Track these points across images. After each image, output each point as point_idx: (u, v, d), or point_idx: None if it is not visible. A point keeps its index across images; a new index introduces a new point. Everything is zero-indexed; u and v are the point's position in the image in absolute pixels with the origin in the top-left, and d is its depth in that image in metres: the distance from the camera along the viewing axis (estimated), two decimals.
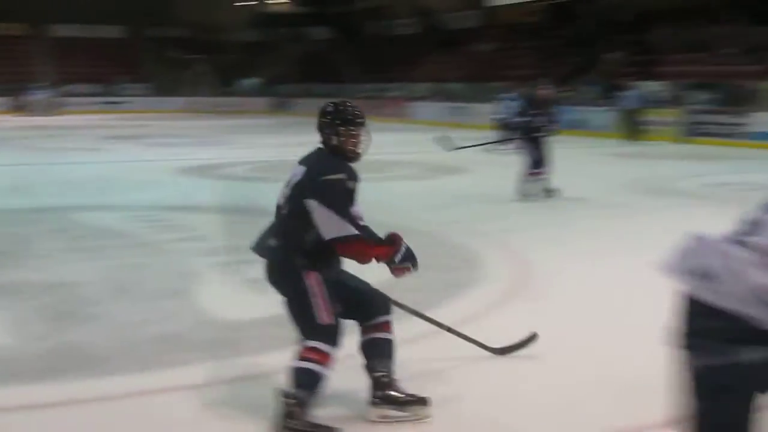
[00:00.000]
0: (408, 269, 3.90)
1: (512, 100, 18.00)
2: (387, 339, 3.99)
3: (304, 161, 3.95)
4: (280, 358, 4.07)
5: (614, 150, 19.17)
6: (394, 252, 3.86)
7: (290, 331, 3.91)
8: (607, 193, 12.10)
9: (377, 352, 3.97)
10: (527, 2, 31.67)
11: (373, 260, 3.86)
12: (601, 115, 24.07)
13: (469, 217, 9.99)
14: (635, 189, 12.51)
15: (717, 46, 25.08)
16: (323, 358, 3.75)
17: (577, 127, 24.52)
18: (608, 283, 6.59)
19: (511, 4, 32.47)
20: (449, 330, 4.57)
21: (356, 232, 3.78)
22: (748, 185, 12.64)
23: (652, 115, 21.91)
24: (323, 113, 3.97)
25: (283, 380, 3.81)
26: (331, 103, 4.04)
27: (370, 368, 3.97)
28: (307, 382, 3.73)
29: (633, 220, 9.80)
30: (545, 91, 11.62)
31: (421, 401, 3.96)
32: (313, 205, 3.75)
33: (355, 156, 3.95)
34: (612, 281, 6.66)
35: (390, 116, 32.06)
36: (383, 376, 3.95)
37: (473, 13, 37.83)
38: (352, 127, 3.93)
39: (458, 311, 5.69)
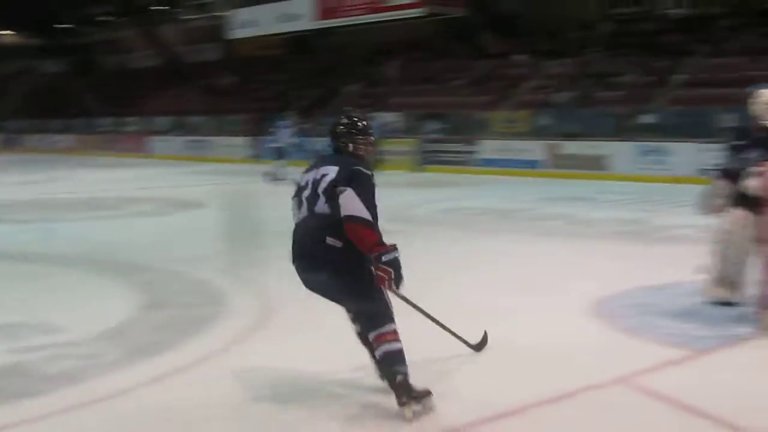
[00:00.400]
0: (389, 274, 4.16)
1: (287, 127, 19.42)
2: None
3: (330, 163, 4.42)
4: None
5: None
6: (387, 250, 4.19)
7: None
8: None
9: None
10: (266, 36, 31.87)
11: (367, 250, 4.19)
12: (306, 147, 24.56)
13: (210, 252, 9.76)
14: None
15: (445, 79, 26.42)
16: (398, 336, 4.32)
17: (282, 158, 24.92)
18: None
19: (249, 38, 32.54)
20: (437, 323, 5.13)
21: (371, 219, 4.19)
22: (479, 209, 13.38)
23: (389, 145, 22.69)
24: (341, 124, 4.59)
25: None
26: (348, 115, 4.66)
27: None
28: (401, 358, 4.27)
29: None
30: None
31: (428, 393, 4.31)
32: (343, 189, 4.21)
33: (368, 161, 4.52)
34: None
35: (127, 151, 31.22)
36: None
37: (212, 47, 37.59)
38: (368, 137, 4.60)
39: (201, 348, 5.55)
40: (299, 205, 4.49)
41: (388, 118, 24.74)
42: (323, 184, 4.33)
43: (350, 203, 4.18)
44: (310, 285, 4.55)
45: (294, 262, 4.53)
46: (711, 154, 17.26)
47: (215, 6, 33.68)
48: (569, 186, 16.91)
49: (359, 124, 4.60)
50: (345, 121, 4.61)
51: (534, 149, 20.40)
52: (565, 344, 5.61)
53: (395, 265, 4.19)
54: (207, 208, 14.39)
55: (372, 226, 4.19)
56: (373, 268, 4.20)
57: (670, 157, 18.07)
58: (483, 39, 27.82)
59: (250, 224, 11.91)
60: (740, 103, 20.09)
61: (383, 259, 4.16)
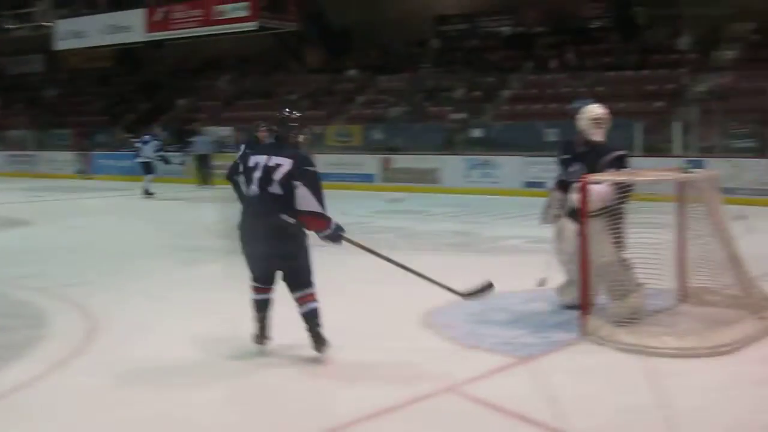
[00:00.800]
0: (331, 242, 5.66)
1: (145, 142, 19.42)
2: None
3: (281, 154, 5.41)
4: None
5: (187, 194, 19.26)
6: (327, 228, 5.57)
7: None
8: (180, 238, 12.07)
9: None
10: (93, 48, 30.77)
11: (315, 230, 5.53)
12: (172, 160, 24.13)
13: (32, 272, 9.30)
14: (210, 233, 12.62)
15: (279, 93, 26.35)
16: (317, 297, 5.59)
17: (150, 173, 24.34)
18: (182, 331, 6.52)
19: (76, 50, 31.34)
20: (417, 274, 6.06)
21: (321, 209, 5.41)
22: None
23: (221, 160, 22.38)
24: (292, 119, 5.62)
25: None
26: (291, 111, 5.70)
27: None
28: (319, 314, 5.55)
29: (210, 264, 9.82)
30: (263, 133, 11.32)
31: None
32: (298, 185, 5.31)
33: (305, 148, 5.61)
34: (174, 324, 6.59)
35: None
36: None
37: (37, 58, 35.99)
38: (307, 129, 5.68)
39: (18, 373, 5.27)
40: (248, 183, 5.52)
41: (221, 132, 24.46)
42: (278, 174, 5.37)
43: (305, 200, 5.34)
44: (253, 251, 5.61)
45: (242, 230, 5.69)
46: (536, 167, 18.04)
47: (39, 16, 32.27)
48: (405, 201, 17.17)
49: (304, 118, 5.75)
50: (294, 114, 5.68)
51: (367, 163, 20.63)
52: (395, 355, 5.68)
53: (333, 236, 5.64)
54: (33, 226, 13.77)
55: (321, 215, 5.45)
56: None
57: (497, 170, 18.69)
58: (315, 54, 27.93)
59: (78, 242, 11.48)
60: (562, 118, 21.04)
61: (326, 234, 5.60)
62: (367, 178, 20.44)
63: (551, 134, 19.34)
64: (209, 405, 4.73)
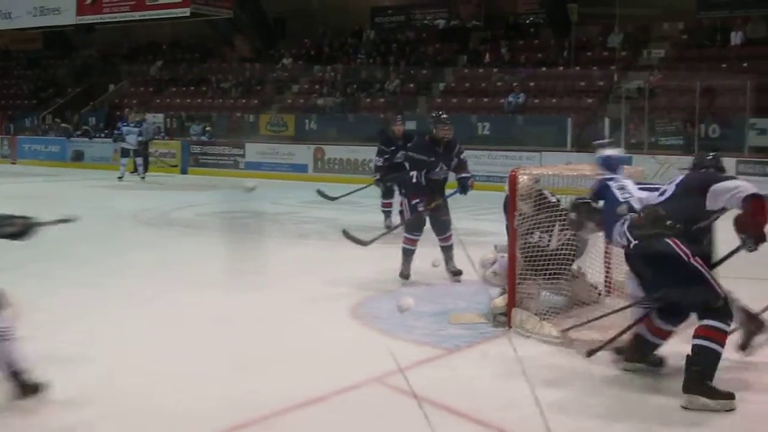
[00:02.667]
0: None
1: (132, 127, 19.62)
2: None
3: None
4: None
5: (114, 182, 18.92)
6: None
7: None
8: (111, 226, 11.88)
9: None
10: (22, 30, 30.01)
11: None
12: (104, 146, 23.77)
13: None
14: (139, 220, 12.46)
15: (212, 81, 26.08)
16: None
17: (77, 160, 24.01)
18: (101, 313, 6.42)
19: (5, 31, 30.53)
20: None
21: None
22: (245, 213, 13.30)
23: (153, 147, 22.14)
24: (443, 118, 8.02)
25: None
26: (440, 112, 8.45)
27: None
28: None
29: (133, 254, 9.68)
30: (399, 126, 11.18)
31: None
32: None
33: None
34: (105, 310, 6.49)
35: None
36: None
37: None
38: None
39: None
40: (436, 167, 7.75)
41: (153, 119, 24.12)
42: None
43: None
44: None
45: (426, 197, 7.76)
46: (469, 160, 18.15)
47: None
48: (334, 190, 17.13)
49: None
50: (444, 114, 8.16)
51: (300, 153, 20.54)
52: (322, 345, 5.67)
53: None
54: None
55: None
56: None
57: None
58: (249, 42, 27.69)
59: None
60: (494, 112, 21.10)
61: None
62: (299, 168, 20.35)
63: (483, 128, 19.54)
64: (135, 392, 4.66)
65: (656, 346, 5.09)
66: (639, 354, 5.12)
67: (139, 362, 5.27)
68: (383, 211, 11.19)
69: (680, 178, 4.97)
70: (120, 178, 19.07)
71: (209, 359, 5.33)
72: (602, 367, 5.23)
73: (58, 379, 4.67)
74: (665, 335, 5.06)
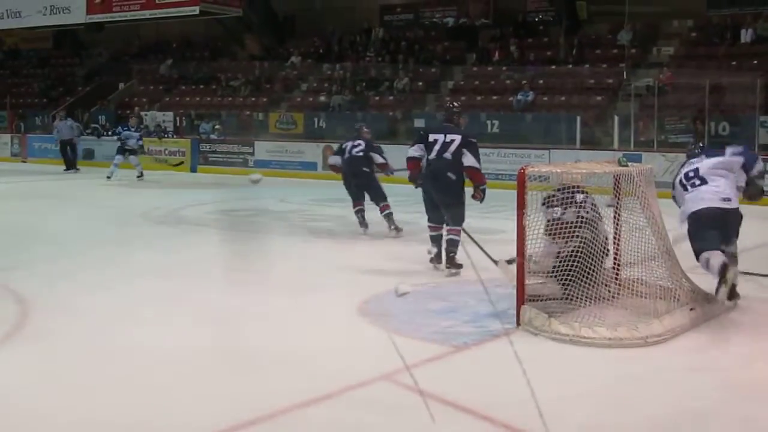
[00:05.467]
0: (482, 195, 8.15)
1: (132, 130, 19.66)
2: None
3: (452, 132, 8.10)
4: None
5: (124, 180, 18.95)
6: (484, 183, 8.20)
7: None
8: (122, 224, 11.92)
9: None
10: (32, 29, 30.09)
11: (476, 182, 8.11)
12: (113, 145, 23.84)
13: None
14: (149, 218, 12.50)
15: (222, 79, 26.12)
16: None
17: (88, 158, 24.07)
18: (114, 314, 6.44)
19: (15, 30, 30.61)
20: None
21: (479, 166, 8.04)
22: (253, 210, 13.32)
23: (163, 145, 22.19)
24: (455, 107, 8.74)
25: None
26: (454, 101, 10.00)
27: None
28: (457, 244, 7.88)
29: (141, 252, 9.70)
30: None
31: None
32: (465, 152, 7.92)
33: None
34: (117, 311, 6.51)
35: None
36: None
37: None
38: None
39: None
40: (430, 150, 8.02)
41: (163, 117, 24.18)
42: (453, 146, 7.93)
43: (470, 159, 7.93)
44: (433, 195, 8.05)
45: (427, 180, 8.08)
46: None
47: None
48: (342, 188, 17.14)
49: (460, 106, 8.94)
50: (456, 104, 8.98)
51: (309, 151, 20.56)
52: (331, 342, 5.69)
53: (485, 191, 8.13)
54: None
55: (480, 170, 8.07)
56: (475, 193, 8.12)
57: None
58: (258, 40, 27.71)
59: (12, 226, 11.27)
60: (503, 109, 21.08)
61: (482, 187, 8.11)
62: (308, 166, 20.36)
63: (492, 125, 19.52)
64: (139, 392, 4.68)
65: None
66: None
67: (149, 359, 5.30)
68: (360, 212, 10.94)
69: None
70: (109, 177, 18.72)
71: (216, 357, 5.35)
72: (610, 365, 5.24)
73: (66, 375, 4.70)
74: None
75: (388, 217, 10.59)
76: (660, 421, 4.38)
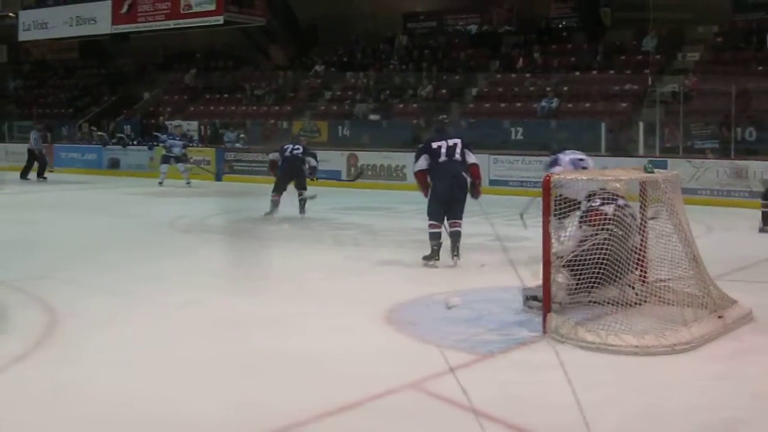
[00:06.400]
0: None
1: (176, 139, 20.55)
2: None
3: (453, 136, 9.18)
4: None
5: (150, 189, 19.11)
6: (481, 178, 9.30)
7: None
8: (148, 233, 12.00)
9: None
10: (58, 39, 30.43)
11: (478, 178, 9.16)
12: (139, 154, 24.06)
13: None
14: (175, 227, 12.57)
15: (246, 88, 26.24)
16: None
17: (114, 168, 24.29)
18: (142, 322, 6.48)
19: (40, 41, 30.98)
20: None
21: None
22: (277, 219, 13.35)
23: (189, 154, 22.34)
24: (445, 118, 12.34)
25: None
26: (444, 116, 13.62)
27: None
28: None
29: (168, 261, 9.76)
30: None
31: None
32: (468, 152, 8.93)
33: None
34: (136, 319, 6.55)
35: None
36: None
37: (0, 49, 35.49)
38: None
39: None
40: (437, 156, 8.80)
41: (188, 126, 24.32)
42: (458, 148, 8.87)
43: (472, 157, 8.98)
44: (451, 194, 8.84)
45: (446, 180, 8.80)
46: (502, 165, 18.13)
47: (3, 6, 31.75)
48: (367, 196, 17.18)
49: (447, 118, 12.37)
50: (445, 117, 12.32)
51: (333, 159, 20.60)
52: (357, 350, 5.69)
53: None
54: None
55: (479, 166, 9.19)
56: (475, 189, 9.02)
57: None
58: (282, 49, 27.84)
59: (40, 236, 11.37)
60: (527, 117, 21.06)
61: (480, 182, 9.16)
62: (333, 174, 20.40)
63: (516, 133, 19.49)
64: (169, 399, 4.71)
65: None
66: None
67: (179, 367, 5.32)
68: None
69: None
70: (161, 183, 19.65)
71: (241, 365, 5.36)
72: (637, 373, 5.21)
73: (86, 384, 4.73)
74: None
75: (303, 202, 13.47)
76: (689, 430, 4.34)
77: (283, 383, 5.01)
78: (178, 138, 20.47)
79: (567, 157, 8.30)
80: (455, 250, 8.77)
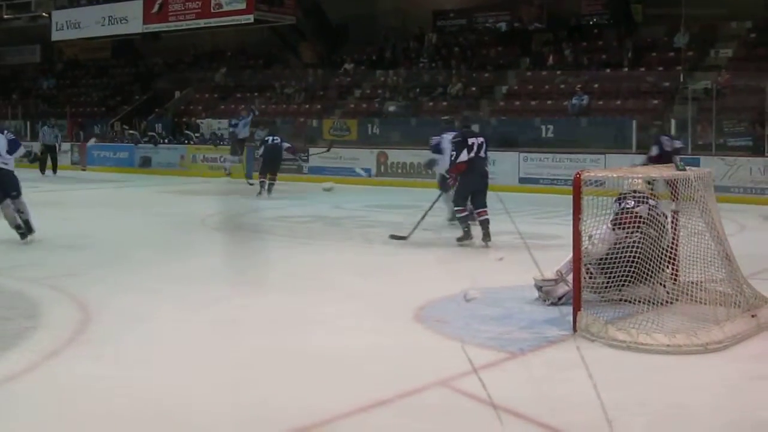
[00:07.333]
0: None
1: (244, 119, 21.70)
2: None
3: (478, 135, 10.47)
4: None
5: (181, 187, 19.24)
6: None
7: None
8: (179, 231, 12.07)
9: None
10: (90, 39, 30.73)
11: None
12: (170, 152, 24.24)
13: (26, 262, 9.27)
14: (207, 225, 12.65)
15: (276, 86, 26.33)
16: None
17: (145, 166, 24.48)
18: (165, 319, 6.53)
19: (73, 40, 31.29)
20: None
21: None
22: (308, 217, 13.41)
23: (218, 153, 22.47)
24: (468, 118, 13.88)
25: None
26: (465, 114, 14.94)
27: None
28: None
29: (199, 258, 9.82)
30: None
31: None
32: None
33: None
34: (168, 317, 6.60)
35: None
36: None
37: (33, 49, 35.87)
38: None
39: (11, 364, 5.27)
40: (470, 150, 9.95)
41: (218, 124, 24.46)
42: (484, 146, 10.14)
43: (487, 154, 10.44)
44: (478, 187, 10.17)
45: (476, 174, 10.06)
46: (532, 163, 18.06)
47: (36, 6, 32.10)
48: (397, 194, 17.20)
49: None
50: (467, 114, 15.01)
51: (363, 157, 20.63)
52: (386, 348, 5.69)
53: None
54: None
55: None
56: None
57: (492, 165, 18.61)
58: (312, 47, 27.91)
59: (73, 234, 11.47)
60: (558, 114, 20.99)
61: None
62: (363, 172, 20.44)
63: (547, 130, 19.40)
64: (199, 396, 4.74)
65: None
66: None
67: (207, 365, 5.36)
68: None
69: None
70: (228, 174, 21.51)
71: (270, 363, 5.38)
72: (669, 372, 5.17)
73: (114, 380, 4.77)
74: None
75: (270, 186, 16.72)
76: (718, 430, 4.31)
77: (313, 380, 5.02)
78: (242, 119, 21.44)
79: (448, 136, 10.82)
80: (486, 236, 9.92)
